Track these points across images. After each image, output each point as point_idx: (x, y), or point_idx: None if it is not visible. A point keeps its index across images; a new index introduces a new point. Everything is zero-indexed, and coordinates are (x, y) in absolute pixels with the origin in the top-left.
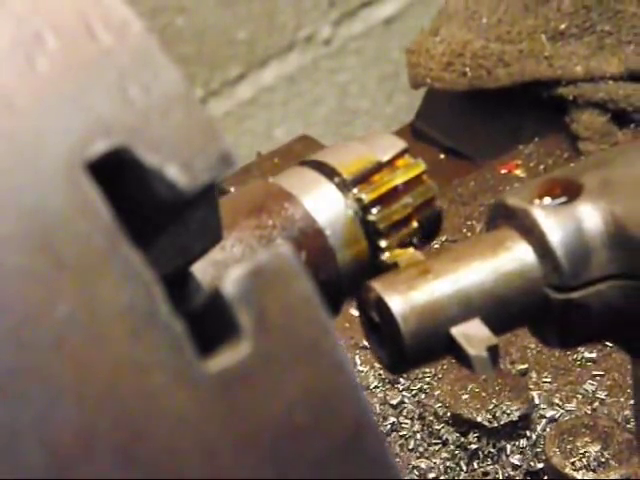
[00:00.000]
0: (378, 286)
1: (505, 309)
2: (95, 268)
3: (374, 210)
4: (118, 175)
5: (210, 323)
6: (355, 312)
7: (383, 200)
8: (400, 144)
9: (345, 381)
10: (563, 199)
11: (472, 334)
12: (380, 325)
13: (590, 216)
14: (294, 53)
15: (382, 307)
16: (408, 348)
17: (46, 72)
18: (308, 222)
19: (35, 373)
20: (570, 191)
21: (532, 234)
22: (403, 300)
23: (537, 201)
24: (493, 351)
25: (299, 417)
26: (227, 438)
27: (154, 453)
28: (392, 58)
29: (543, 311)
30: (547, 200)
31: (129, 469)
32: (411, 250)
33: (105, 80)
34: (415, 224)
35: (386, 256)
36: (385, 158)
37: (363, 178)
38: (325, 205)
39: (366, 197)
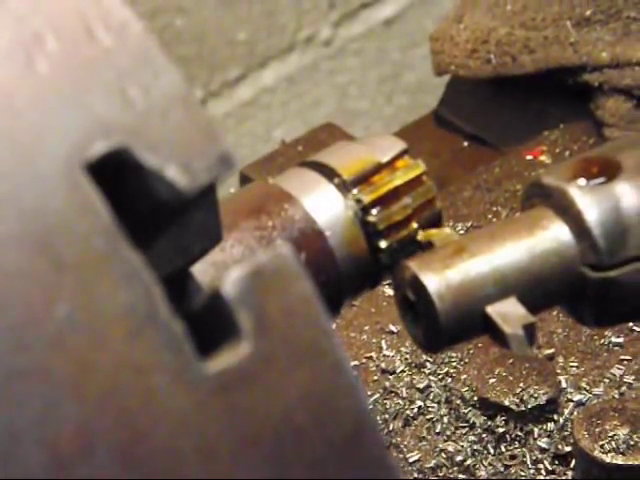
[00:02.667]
0: (414, 265)
1: (541, 288)
2: (95, 269)
3: (374, 211)
4: (118, 176)
5: (210, 324)
6: (381, 296)
7: (383, 201)
8: (400, 145)
9: (345, 382)
10: (601, 180)
11: (508, 313)
12: (415, 304)
13: (627, 195)
14: (294, 54)
15: (418, 286)
16: (444, 327)
17: (46, 73)
18: (308, 223)
19: (35, 373)
20: (607, 170)
21: (568, 213)
22: (439, 279)
23: (574, 181)
24: (529, 329)
25: (298, 417)
26: (226, 438)
27: (153, 453)
28: (392, 59)
29: (579, 290)
30: (584, 181)
31: (129, 469)
32: (447, 229)
33: (105, 81)
34: (415, 225)
35: (421, 235)
36: (385, 159)
37: (363, 179)
38: (325, 206)
39: (366, 198)
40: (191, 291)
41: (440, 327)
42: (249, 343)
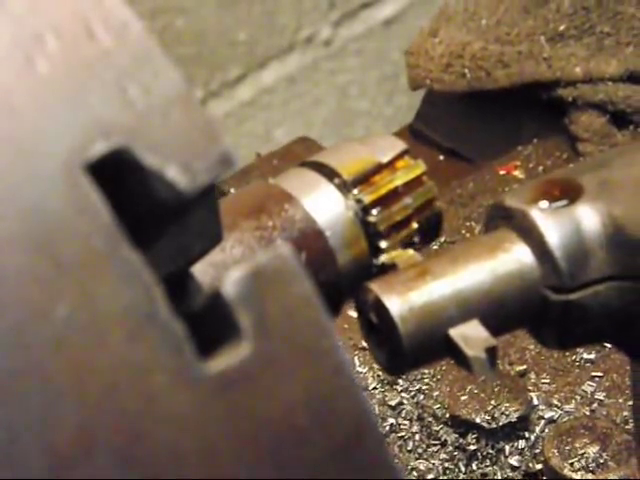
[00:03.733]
0: (376, 287)
1: (503, 310)
2: (95, 269)
3: (374, 211)
4: (118, 176)
5: (210, 324)
6: (354, 313)
7: (383, 201)
8: (400, 145)
9: (345, 382)
10: (563, 202)
11: (470, 335)
12: (378, 326)
13: (589, 217)
14: (294, 54)
15: (380, 308)
16: (406, 349)
17: (46, 73)
18: (308, 223)
19: (34, 374)
20: (569, 192)
21: (531, 235)
22: (401, 301)
23: (536, 203)
24: (491, 352)
25: (299, 418)
26: (227, 439)
27: (154, 454)
28: (392, 59)
29: (541, 312)
30: (546, 204)
31: (129, 470)
32: (410, 251)
33: (105, 81)
34: (415, 225)
35: (384, 257)
36: (385, 159)
37: (363, 179)
38: (325, 206)
39: (366, 198)
40: (191, 291)
41: (403, 349)
42: (249, 343)
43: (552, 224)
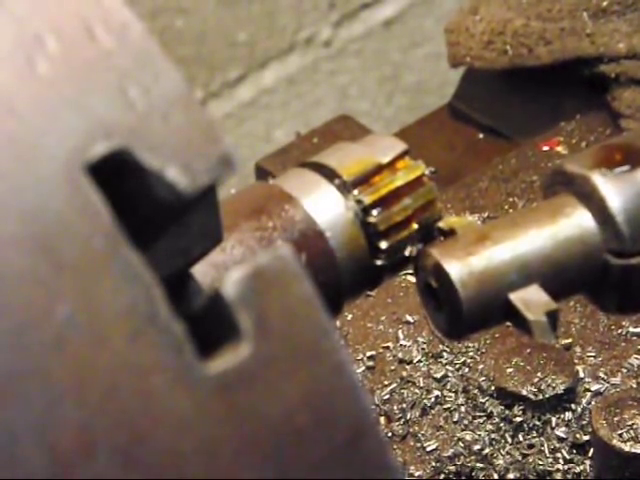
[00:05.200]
0: (436, 252)
1: (564, 275)
2: (95, 270)
3: (374, 212)
4: (118, 177)
5: (210, 325)
6: (398, 286)
7: (383, 202)
8: (400, 146)
9: (345, 382)
10: (625, 167)
11: (531, 299)
12: (438, 291)
13: None
14: (294, 55)
15: (440, 273)
16: (466, 313)
17: (46, 74)
18: (308, 224)
19: (35, 375)
20: (630, 158)
21: (592, 200)
22: (461, 266)
23: (597, 168)
24: (552, 316)
25: (299, 418)
26: (227, 440)
27: (154, 455)
28: (392, 60)
29: (602, 277)
30: (607, 169)
31: (129, 471)
32: (469, 217)
33: (105, 82)
34: (415, 226)
35: (443, 223)
36: (385, 160)
37: (363, 180)
38: (325, 207)
39: (366, 199)
40: (192, 292)
41: (463, 314)
42: (249, 344)
43: (613, 189)
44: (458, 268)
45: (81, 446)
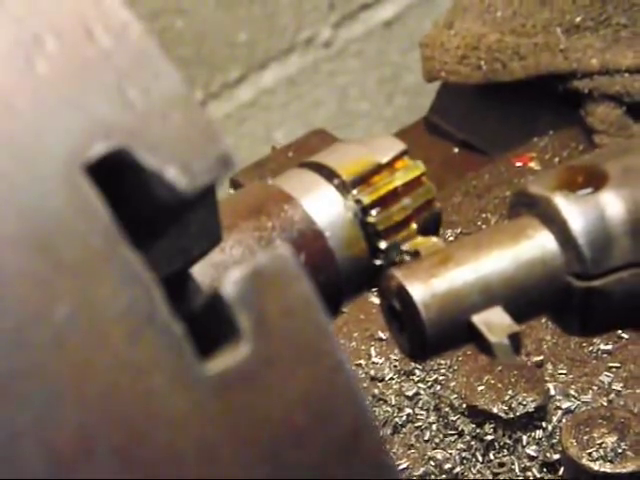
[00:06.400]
0: (399, 274)
1: (526, 297)
2: (94, 270)
3: (373, 212)
4: (117, 177)
5: (209, 325)
6: (370, 303)
7: (382, 202)
8: (399, 146)
9: (344, 382)
10: (587, 189)
11: (493, 322)
12: (401, 313)
13: (613, 204)
14: (294, 55)
15: (403, 295)
16: (429, 336)
17: (46, 74)
18: (307, 224)
19: (34, 374)
20: (593, 179)
21: (554, 222)
22: (424, 288)
23: (559, 190)
24: (515, 338)
25: (298, 418)
26: (226, 440)
27: (153, 455)
28: (392, 60)
29: (564, 299)
30: (570, 191)
31: (128, 470)
32: (432, 239)
33: (105, 82)
34: (414, 225)
35: (407, 245)
36: (384, 160)
37: (362, 180)
38: (324, 207)
39: (365, 199)
40: (191, 292)
41: (425, 336)
42: (249, 344)
43: (576, 211)
44: (421, 290)
45: (80, 446)
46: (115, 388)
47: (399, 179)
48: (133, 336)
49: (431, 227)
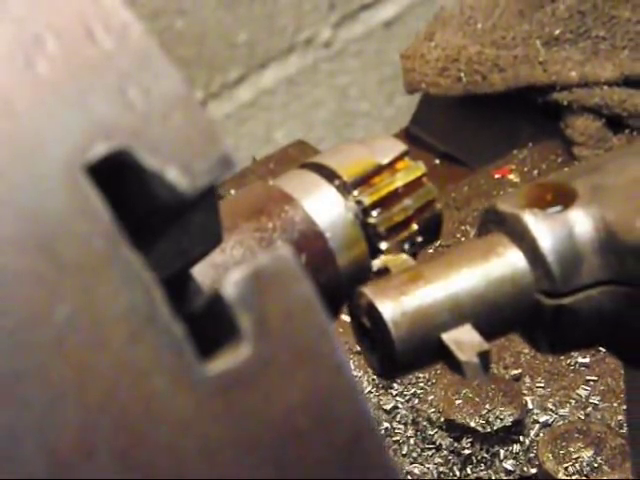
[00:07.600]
0: (369, 291)
1: (496, 314)
2: (95, 270)
3: (374, 213)
4: (118, 178)
5: (210, 326)
6: (348, 318)
7: (383, 203)
8: (400, 147)
9: (345, 383)
10: (556, 207)
11: (463, 340)
12: (371, 331)
13: (582, 222)
14: (294, 55)
15: (373, 313)
16: (399, 354)
17: (46, 75)
18: (308, 225)
19: (35, 376)
20: (562, 197)
21: (523, 240)
22: (394, 306)
23: (529, 207)
24: (484, 357)
25: (299, 420)
26: (227, 441)
27: (154, 456)
28: (392, 61)
29: (534, 316)
30: (539, 208)
31: (129, 472)
32: (403, 256)
33: (105, 83)
34: (415, 226)
35: (378, 262)
36: (385, 161)
37: (363, 181)
38: (325, 208)
39: (366, 200)
40: (191, 293)
41: (395, 354)
42: (249, 345)
43: (545, 228)
44: (391, 308)
45: (81, 447)
46: (115, 389)
47: (400, 180)
48: (134, 337)
49: (432, 228)
